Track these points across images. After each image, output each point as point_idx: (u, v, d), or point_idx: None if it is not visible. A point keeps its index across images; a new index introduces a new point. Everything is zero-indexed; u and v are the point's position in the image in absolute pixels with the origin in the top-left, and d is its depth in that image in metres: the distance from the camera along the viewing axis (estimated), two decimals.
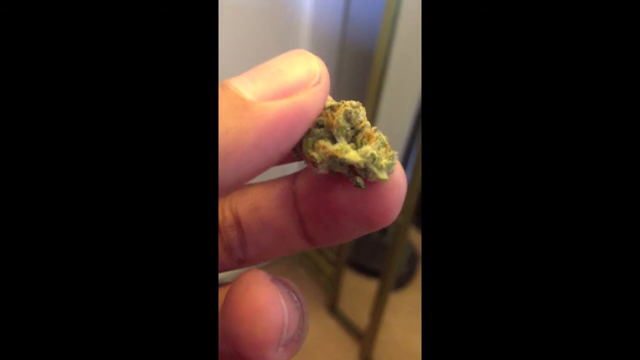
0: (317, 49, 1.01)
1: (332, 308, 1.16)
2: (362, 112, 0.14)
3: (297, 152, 0.14)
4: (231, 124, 0.11)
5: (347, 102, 0.14)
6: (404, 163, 1.22)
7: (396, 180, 0.14)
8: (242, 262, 0.17)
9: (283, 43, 0.96)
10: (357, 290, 1.22)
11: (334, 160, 0.13)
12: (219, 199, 0.15)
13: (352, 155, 0.13)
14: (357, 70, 1.13)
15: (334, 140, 0.13)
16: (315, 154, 0.13)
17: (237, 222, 0.16)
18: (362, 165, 0.13)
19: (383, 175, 0.13)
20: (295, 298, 0.14)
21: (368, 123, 0.14)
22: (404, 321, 1.16)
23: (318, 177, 0.15)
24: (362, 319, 1.09)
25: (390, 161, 0.13)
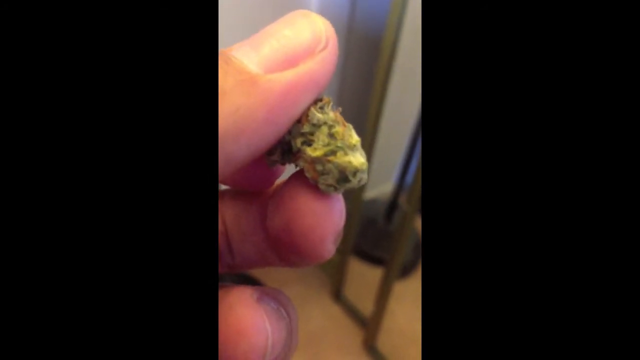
0: None
1: (337, 295, 1.16)
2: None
3: (272, 152, 0.13)
4: (240, 101, 0.11)
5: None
6: (412, 148, 1.21)
7: (330, 205, 0.13)
8: (232, 268, 0.17)
9: None
10: (362, 278, 1.22)
11: (325, 122, 0.13)
12: (234, 173, 0.14)
13: (352, 135, 0.13)
14: (364, 56, 1.12)
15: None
16: (316, 111, 0.13)
17: (224, 229, 0.16)
18: (342, 136, 0.13)
19: (357, 157, 0.13)
20: (284, 314, 0.14)
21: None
22: (408, 309, 1.16)
23: (272, 199, 0.14)
24: (366, 307, 1.10)
25: (363, 159, 0.13)
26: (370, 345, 1.06)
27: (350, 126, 0.13)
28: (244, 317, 0.13)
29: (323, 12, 0.97)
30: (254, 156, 0.12)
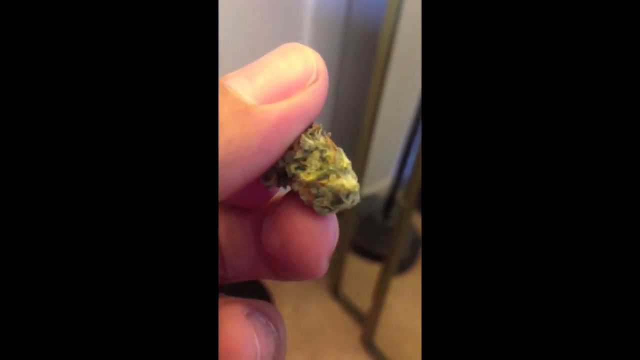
0: (320, 28, 0.99)
1: (335, 291, 1.17)
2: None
3: (268, 177, 0.14)
4: (234, 132, 0.11)
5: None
6: (409, 143, 1.21)
7: (325, 226, 0.14)
8: (224, 280, 0.17)
9: (286, 22, 0.94)
10: (360, 274, 1.22)
11: (316, 147, 0.13)
12: (227, 199, 0.15)
13: (343, 158, 0.13)
14: (362, 50, 1.11)
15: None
16: (307, 138, 0.13)
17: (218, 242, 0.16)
18: (333, 160, 0.13)
19: (350, 180, 0.13)
20: (273, 328, 0.14)
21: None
22: (406, 304, 1.16)
23: (268, 217, 0.15)
24: (364, 303, 1.10)
25: (355, 183, 0.13)
26: (368, 340, 1.06)
27: (341, 150, 0.14)
28: (234, 333, 0.13)
29: (320, 4, 0.97)
30: (248, 182, 0.12)
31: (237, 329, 0.13)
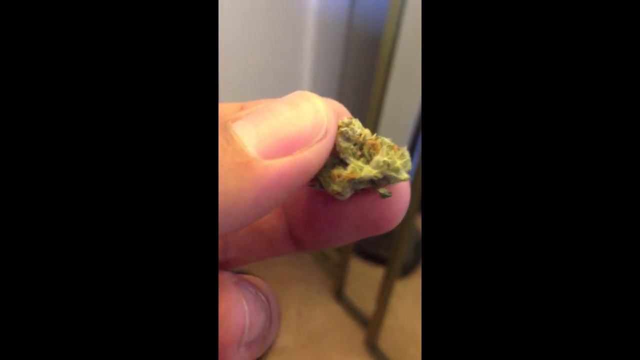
0: (323, 32, 1.00)
1: (339, 294, 1.16)
2: (356, 125, 0.14)
3: (313, 183, 0.14)
4: (232, 184, 0.11)
5: (339, 122, 0.14)
6: (412, 147, 1.21)
7: (403, 187, 0.14)
8: (221, 265, 0.17)
9: (288, 26, 0.95)
10: (364, 277, 1.22)
11: (354, 182, 0.13)
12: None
13: (367, 170, 0.13)
14: (364, 54, 1.11)
15: (344, 163, 0.13)
16: (335, 186, 0.13)
17: None
18: (380, 176, 0.13)
19: (403, 175, 0.13)
20: (263, 299, 0.14)
21: (367, 131, 0.14)
22: (409, 307, 1.16)
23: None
24: (368, 306, 1.09)
25: (404, 159, 0.14)
26: (371, 343, 1.06)
27: (350, 158, 0.14)
28: (223, 298, 0.13)
29: (322, 9, 0.97)
30: (237, 230, 0.12)
31: (225, 294, 0.13)
